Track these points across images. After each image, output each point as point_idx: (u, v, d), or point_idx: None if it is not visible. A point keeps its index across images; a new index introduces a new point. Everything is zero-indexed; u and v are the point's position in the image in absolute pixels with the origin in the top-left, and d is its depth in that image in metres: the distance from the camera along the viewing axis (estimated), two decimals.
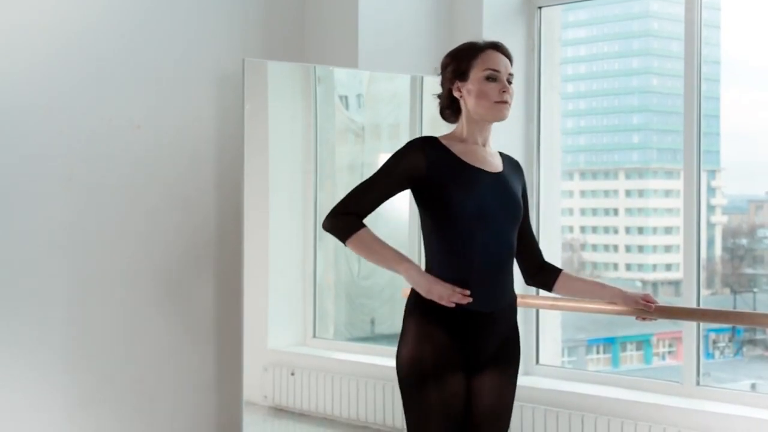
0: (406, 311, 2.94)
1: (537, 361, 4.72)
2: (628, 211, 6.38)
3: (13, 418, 3.88)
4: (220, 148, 4.39)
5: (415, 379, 2.85)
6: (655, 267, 6.23)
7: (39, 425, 3.96)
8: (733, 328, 5.87)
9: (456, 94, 2.96)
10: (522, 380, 4.44)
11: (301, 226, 4.68)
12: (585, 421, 4.17)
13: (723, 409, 3.98)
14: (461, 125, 2.97)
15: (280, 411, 4.61)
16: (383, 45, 4.61)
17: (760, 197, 6.03)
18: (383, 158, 2.96)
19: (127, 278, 4.16)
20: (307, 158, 4.69)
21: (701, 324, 4.22)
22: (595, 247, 6.50)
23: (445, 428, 2.84)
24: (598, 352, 6.62)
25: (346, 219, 2.90)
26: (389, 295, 4.82)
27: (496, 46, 2.96)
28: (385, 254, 2.89)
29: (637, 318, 3.08)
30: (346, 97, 4.95)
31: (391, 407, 4.51)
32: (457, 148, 2.92)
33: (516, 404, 4.32)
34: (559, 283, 3.09)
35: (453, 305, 2.81)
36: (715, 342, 5.91)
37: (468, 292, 2.81)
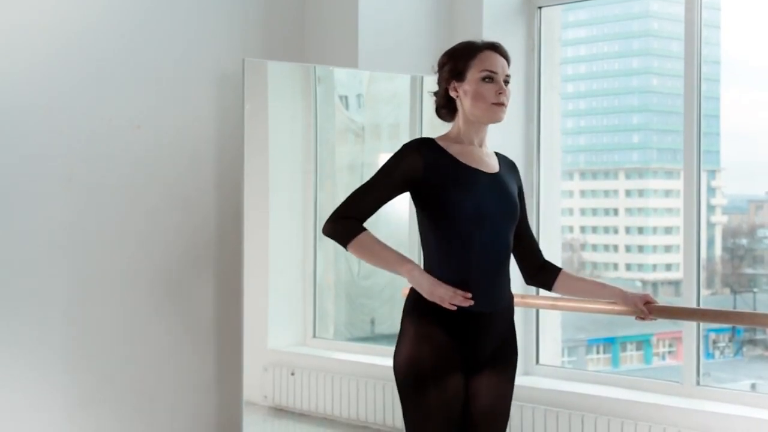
0: (404, 311, 2.93)
1: (537, 361, 4.72)
2: (628, 211, 6.38)
3: (13, 418, 3.88)
4: (220, 148, 4.39)
5: (413, 380, 2.84)
6: (655, 267, 6.23)
7: (39, 425, 3.96)
8: (733, 328, 5.86)
9: (452, 93, 2.95)
10: (522, 380, 4.46)
11: (301, 226, 4.68)
12: (585, 421, 4.17)
13: (723, 409, 3.98)
14: (457, 126, 2.97)
15: (280, 411, 4.61)
16: (383, 45, 4.61)
17: (760, 197, 6.02)
18: (383, 158, 2.96)
19: (127, 278, 4.16)
20: (307, 158, 4.69)
21: (701, 324, 4.22)
22: (595, 247, 6.50)
23: (444, 430, 2.84)
24: (598, 352, 6.62)
25: (346, 223, 2.89)
26: (389, 295, 4.82)
27: (494, 47, 2.95)
28: (386, 257, 2.89)
29: (636, 318, 3.08)
30: (346, 97, 4.95)
31: (391, 407, 4.51)
32: (453, 149, 2.91)
33: (516, 404, 4.33)
34: (559, 282, 3.09)
35: (454, 308, 2.81)
36: (715, 342, 5.91)
37: (470, 295, 2.81)
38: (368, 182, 2.93)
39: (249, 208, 4.20)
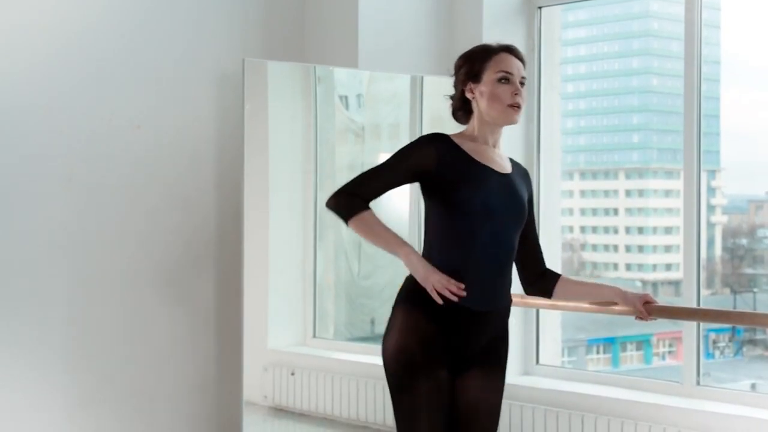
0: (396, 300, 2.94)
1: (537, 361, 4.71)
2: (628, 211, 6.39)
3: (13, 418, 3.88)
4: (220, 148, 4.39)
5: (402, 368, 2.85)
6: (655, 267, 6.23)
7: (39, 425, 3.96)
8: (733, 328, 5.87)
9: (468, 95, 2.98)
10: (522, 380, 4.46)
11: (301, 226, 4.68)
12: (585, 421, 4.17)
13: (723, 409, 3.98)
14: (472, 125, 3.00)
15: (280, 411, 4.61)
16: (383, 45, 4.61)
17: (760, 197, 6.03)
18: (383, 158, 2.97)
19: (127, 278, 4.16)
20: (307, 158, 4.69)
21: (701, 324, 4.22)
22: (595, 247, 6.51)
23: (434, 419, 2.84)
24: (598, 352, 6.62)
25: (351, 199, 2.91)
26: (389, 295, 4.78)
27: (510, 49, 2.99)
28: (386, 237, 2.90)
29: (636, 317, 3.09)
30: (346, 97, 4.95)
31: (390, 407, 4.50)
32: (467, 146, 2.94)
33: (516, 404, 4.33)
34: (558, 288, 3.10)
35: (441, 302, 2.82)
36: (715, 342, 5.92)
37: (463, 286, 2.82)
38: (379, 166, 2.95)
39: (249, 208, 4.20)
